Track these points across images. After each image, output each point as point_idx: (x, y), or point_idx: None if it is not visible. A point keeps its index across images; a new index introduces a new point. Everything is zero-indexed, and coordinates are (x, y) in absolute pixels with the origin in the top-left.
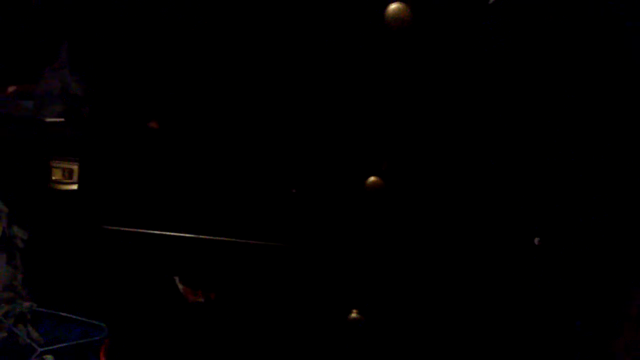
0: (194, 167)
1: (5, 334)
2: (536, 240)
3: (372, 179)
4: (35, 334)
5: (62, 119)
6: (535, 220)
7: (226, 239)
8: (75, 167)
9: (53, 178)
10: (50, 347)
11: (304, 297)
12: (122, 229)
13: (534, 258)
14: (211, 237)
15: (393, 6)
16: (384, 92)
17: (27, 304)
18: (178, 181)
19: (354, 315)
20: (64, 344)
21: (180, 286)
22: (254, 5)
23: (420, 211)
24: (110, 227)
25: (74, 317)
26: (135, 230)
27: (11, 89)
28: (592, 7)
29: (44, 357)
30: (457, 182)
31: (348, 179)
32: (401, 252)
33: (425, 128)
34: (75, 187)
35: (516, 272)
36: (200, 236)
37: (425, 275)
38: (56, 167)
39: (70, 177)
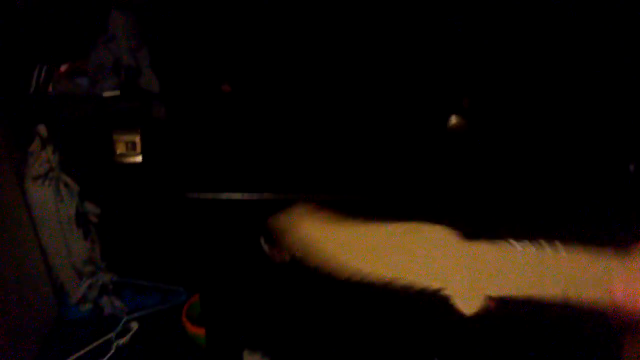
0: (268, 126)
1: (90, 306)
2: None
3: None
4: (118, 304)
5: (119, 92)
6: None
7: (309, 195)
8: (137, 139)
9: (117, 152)
10: (134, 315)
11: None
12: (203, 195)
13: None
14: (295, 195)
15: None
16: None
17: (107, 276)
18: (253, 142)
19: None
20: (147, 311)
21: (265, 247)
22: None
23: None
24: (192, 195)
25: (153, 284)
26: (217, 196)
27: (63, 67)
28: None
29: (129, 324)
30: None
31: None
32: None
33: None
34: (139, 158)
35: None
36: (284, 195)
37: None
38: (119, 141)
39: (134, 148)
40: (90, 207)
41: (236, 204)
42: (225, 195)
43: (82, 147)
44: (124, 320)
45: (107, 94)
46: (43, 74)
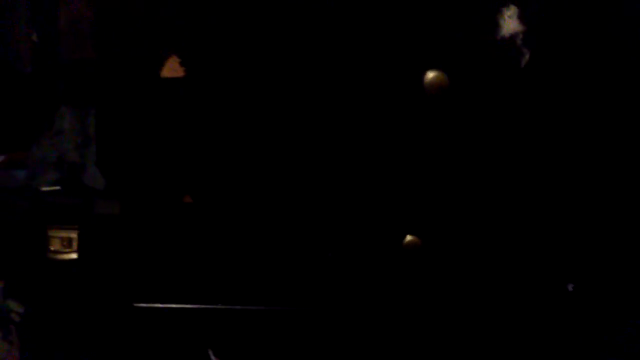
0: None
1: None
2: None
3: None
4: None
5: (59, 187)
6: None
7: (260, 307)
8: (74, 236)
9: (51, 248)
10: None
11: None
12: (152, 305)
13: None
14: (244, 307)
15: (431, 74)
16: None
17: None
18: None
19: None
20: None
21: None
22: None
23: None
24: (139, 305)
25: None
26: (167, 306)
27: (1, 158)
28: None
29: None
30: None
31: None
32: None
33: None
34: (74, 256)
35: None
36: (234, 307)
37: None
38: (54, 237)
39: (70, 245)
40: (12, 305)
41: (183, 313)
42: (173, 305)
43: (12, 241)
44: None
45: (46, 188)
46: None
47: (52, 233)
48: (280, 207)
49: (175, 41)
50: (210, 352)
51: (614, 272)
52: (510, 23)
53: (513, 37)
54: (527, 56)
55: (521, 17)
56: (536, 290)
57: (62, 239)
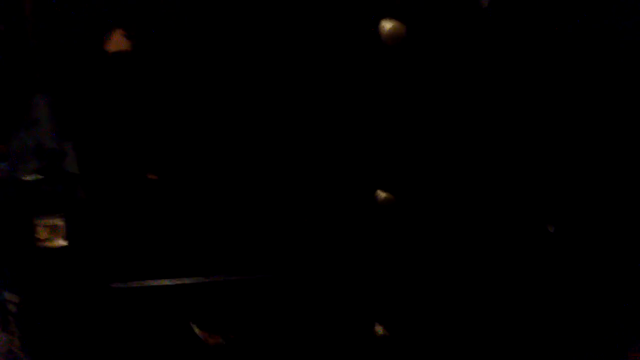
0: (194, 208)
1: None
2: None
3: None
4: None
5: (41, 176)
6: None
7: (237, 277)
8: (60, 223)
9: (39, 237)
10: None
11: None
12: (129, 285)
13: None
14: (223, 278)
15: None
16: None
17: None
18: (179, 226)
19: None
20: None
21: (197, 331)
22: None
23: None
24: (118, 285)
25: None
26: (143, 284)
27: None
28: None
29: None
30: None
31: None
32: None
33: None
34: (63, 243)
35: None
36: (212, 279)
37: None
38: (41, 225)
39: (57, 233)
40: (8, 296)
41: (164, 290)
42: (153, 282)
43: (0, 233)
44: None
45: (28, 177)
46: None
47: (38, 222)
48: (248, 172)
49: (118, 13)
50: (194, 326)
51: (596, 214)
52: None
53: None
54: None
55: None
56: (516, 235)
57: (48, 227)
